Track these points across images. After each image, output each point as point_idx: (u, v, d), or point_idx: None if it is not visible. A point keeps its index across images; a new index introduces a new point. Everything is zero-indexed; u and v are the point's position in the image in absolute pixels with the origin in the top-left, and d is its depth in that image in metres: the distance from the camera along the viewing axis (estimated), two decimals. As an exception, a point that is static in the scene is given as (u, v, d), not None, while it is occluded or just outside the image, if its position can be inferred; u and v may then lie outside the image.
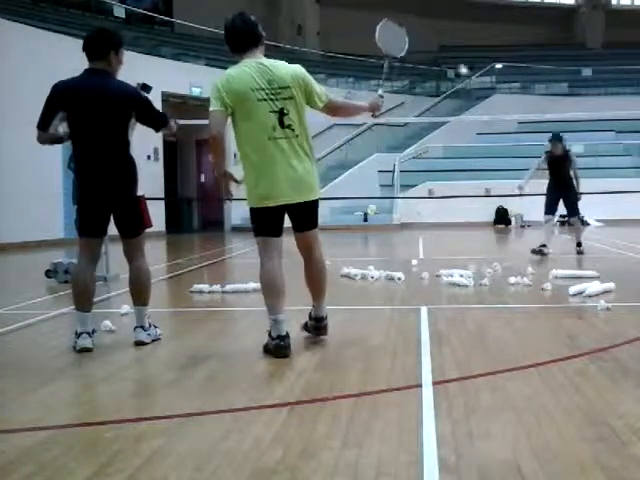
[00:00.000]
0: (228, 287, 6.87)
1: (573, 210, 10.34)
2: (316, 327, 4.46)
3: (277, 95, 4.02)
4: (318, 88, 4.23)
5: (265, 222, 4.19)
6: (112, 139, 4.36)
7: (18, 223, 13.51)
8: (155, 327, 4.61)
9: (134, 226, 4.52)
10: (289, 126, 4.05)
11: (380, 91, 4.57)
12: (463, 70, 26.04)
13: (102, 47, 4.40)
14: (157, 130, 4.61)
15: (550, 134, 10.53)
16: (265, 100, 4.01)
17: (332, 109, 4.36)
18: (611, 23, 31.06)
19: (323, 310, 4.44)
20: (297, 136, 4.09)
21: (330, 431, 2.81)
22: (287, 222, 4.27)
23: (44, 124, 4.33)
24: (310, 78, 4.18)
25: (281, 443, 2.69)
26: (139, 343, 4.45)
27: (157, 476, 2.45)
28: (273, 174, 4.07)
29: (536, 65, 25.81)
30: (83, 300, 4.44)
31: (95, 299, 5.98)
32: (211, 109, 4.07)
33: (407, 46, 4.71)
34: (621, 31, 29.62)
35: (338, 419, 2.95)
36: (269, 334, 4.12)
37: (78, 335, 4.35)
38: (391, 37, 4.73)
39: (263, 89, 4.01)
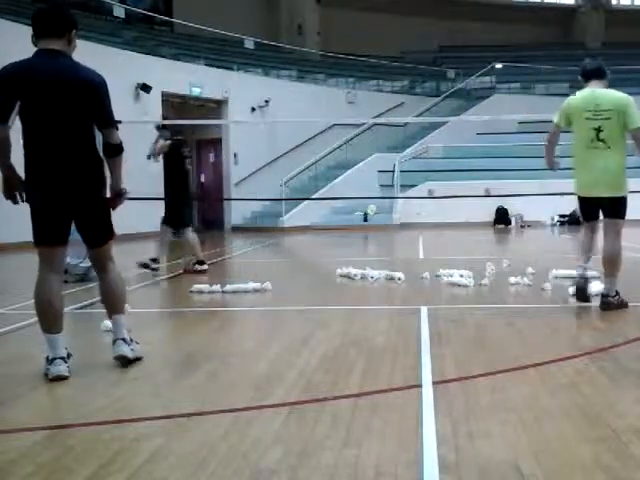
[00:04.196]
0: (228, 287, 6.87)
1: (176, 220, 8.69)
2: (600, 302, 5.45)
3: (599, 116, 5.35)
4: (634, 116, 5.31)
5: (583, 208, 5.67)
6: (78, 131, 3.75)
7: (18, 223, 13.51)
8: (137, 343, 4.05)
9: (102, 233, 3.95)
10: (602, 140, 5.35)
11: None
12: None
13: (62, 23, 3.77)
14: (101, 128, 3.85)
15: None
16: (589, 119, 5.38)
17: (635, 138, 5.37)
18: (611, 23, 31.02)
19: (605, 288, 5.48)
20: (609, 148, 5.35)
21: (330, 431, 2.81)
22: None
23: (4, 115, 3.60)
24: (630, 106, 5.35)
25: (281, 443, 2.69)
26: (120, 358, 3.88)
27: (157, 476, 2.45)
28: (587, 173, 5.47)
29: (536, 65, 25.78)
30: (50, 321, 3.74)
31: (95, 299, 5.99)
32: (553, 121, 5.66)
33: None
34: (621, 31, 29.60)
35: (338, 419, 2.95)
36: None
37: (50, 361, 3.69)
38: None
39: (590, 110, 5.38)
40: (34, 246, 3.82)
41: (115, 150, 3.88)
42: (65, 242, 3.85)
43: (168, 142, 8.58)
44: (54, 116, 3.70)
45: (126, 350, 3.89)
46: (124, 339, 3.92)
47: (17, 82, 3.66)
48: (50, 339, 3.73)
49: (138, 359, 3.98)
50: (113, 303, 3.99)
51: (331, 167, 21.11)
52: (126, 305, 4.40)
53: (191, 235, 8.66)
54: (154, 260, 8.61)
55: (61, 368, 3.67)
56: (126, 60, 16.81)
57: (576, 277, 5.69)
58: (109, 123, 3.87)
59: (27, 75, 3.68)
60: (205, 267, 8.72)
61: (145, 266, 8.52)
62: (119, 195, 3.98)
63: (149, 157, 8.79)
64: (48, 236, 3.77)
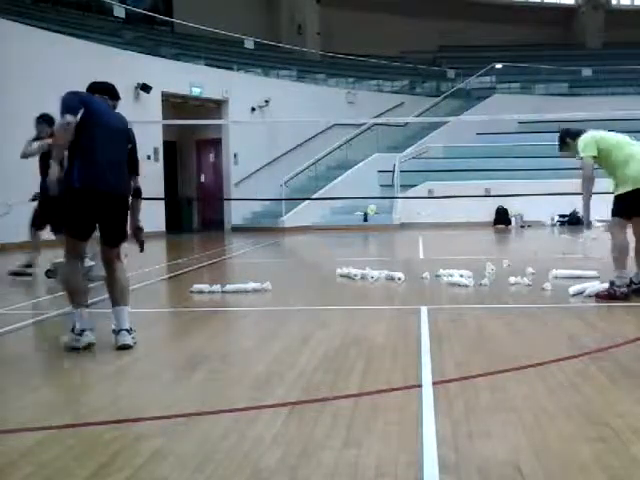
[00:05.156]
0: (228, 287, 6.87)
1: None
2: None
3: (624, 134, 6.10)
4: None
5: (632, 203, 5.75)
6: (123, 156, 4.64)
7: (18, 223, 13.50)
8: (134, 331, 4.50)
9: (122, 235, 4.65)
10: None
11: None
12: None
13: (116, 92, 4.82)
14: (131, 172, 4.74)
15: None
16: (620, 133, 6.08)
17: None
18: (611, 23, 31.00)
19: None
20: None
21: (330, 431, 2.81)
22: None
23: (75, 110, 4.33)
24: None
25: (281, 443, 2.69)
26: (123, 347, 4.33)
27: (157, 476, 2.45)
28: None
29: (536, 65, 25.77)
30: (80, 295, 4.48)
31: (95, 299, 6.01)
32: (587, 155, 5.89)
33: None
34: (621, 31, 29.58)
35: (338, 419, 2.95)
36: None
37: (80, 332, 4.33)
38: None
39: (614, 133, 6.08)
40: (68, 238, 4.49)
41: (140, 192, 4.85)
42: (90, 238, 4.61)
43: (47, 141, 7.30)
44: (113, 141, 4.52)
45: (128, 340, 4.38)
46: (127, 330, 4.41)
47: (82, 99, 4.50)
48: (79, 313, 4.39)
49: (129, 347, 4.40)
50: (118, 294, 4.54)
51: (331, 167, 21.10)
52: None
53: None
54: (28, 266, 8.28)
55: (91, 337, 4.33)
56: (126, 60, 16.81)
57: (634, 284, 5.87)
58: (137, 170, 4.84)
59: (90, 98, 4.57)
60: (29, 272, 8.28)
61: (19, 273, 8.18)
62: (139, 229, 4.85)
63: (25, 157, 7.92)
64: (84, 232, 4.49)
